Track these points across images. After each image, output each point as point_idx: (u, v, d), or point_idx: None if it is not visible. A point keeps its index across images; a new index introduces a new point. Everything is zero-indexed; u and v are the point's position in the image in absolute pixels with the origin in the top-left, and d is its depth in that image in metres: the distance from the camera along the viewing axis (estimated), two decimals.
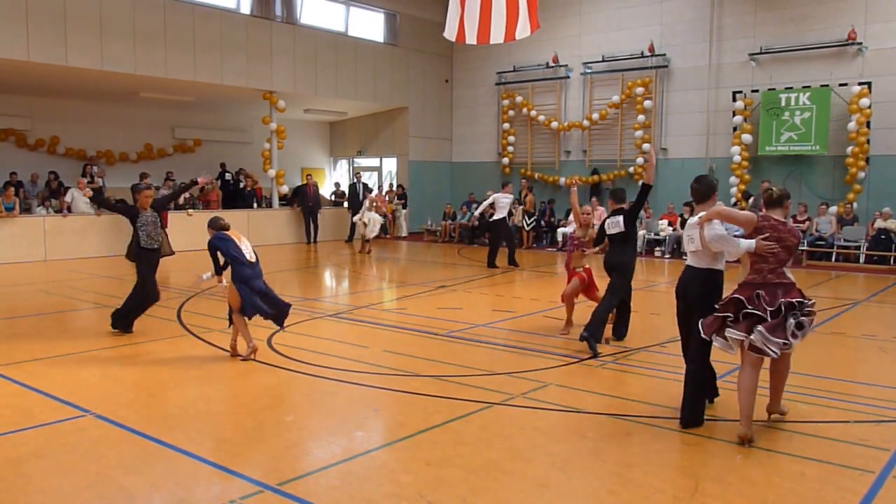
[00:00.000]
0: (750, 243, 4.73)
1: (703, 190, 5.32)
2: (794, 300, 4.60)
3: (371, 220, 16.53)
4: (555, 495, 3.90)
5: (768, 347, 4.52)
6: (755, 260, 4.74)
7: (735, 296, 4.71)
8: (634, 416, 5.19)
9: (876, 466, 4.27)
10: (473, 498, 3.84)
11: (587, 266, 8.11)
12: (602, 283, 7.71)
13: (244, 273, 6.72)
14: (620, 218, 7.22)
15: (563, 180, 20.11)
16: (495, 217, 14.34)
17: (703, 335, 4.83)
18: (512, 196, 14.77)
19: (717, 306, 4.82)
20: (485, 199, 15.15)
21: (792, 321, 4.56)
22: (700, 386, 5.01)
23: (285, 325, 7.26)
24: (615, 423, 5.06)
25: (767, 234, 4.70)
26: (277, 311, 6.97)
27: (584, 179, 19.64)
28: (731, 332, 4.64)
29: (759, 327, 4.54)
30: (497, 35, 9.52)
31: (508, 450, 4.53)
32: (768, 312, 4.55)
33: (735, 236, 4.90)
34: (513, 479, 4.11)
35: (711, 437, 4.77)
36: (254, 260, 6.87)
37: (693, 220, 5.17)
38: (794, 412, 5.42)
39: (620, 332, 7.67)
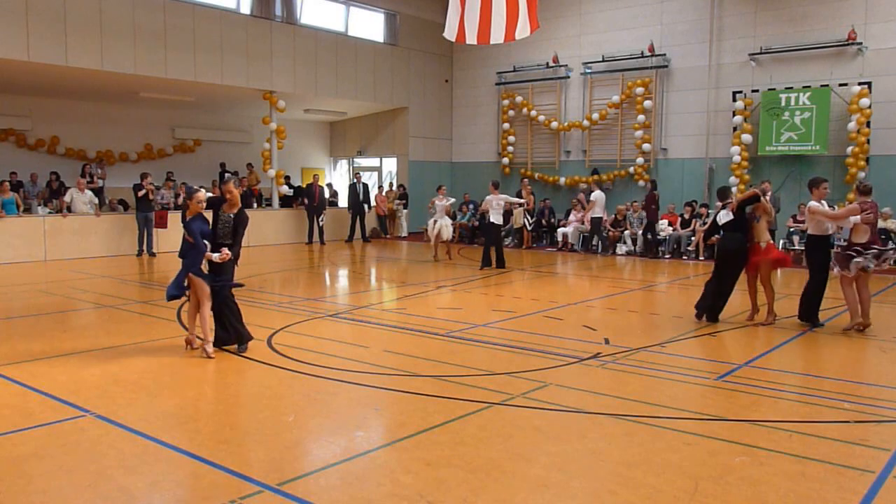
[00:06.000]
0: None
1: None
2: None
3: (444, 226, 15.52)
4: (555, 495, 3.90)
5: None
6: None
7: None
8: (634, 416, 5.19)
9: (876, 466, 4.27)
10: (473, 498, 3.84)
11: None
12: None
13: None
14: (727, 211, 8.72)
15: (562, 180, 20.13)
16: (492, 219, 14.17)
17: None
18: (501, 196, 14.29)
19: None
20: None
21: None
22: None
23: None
24: (615, 423, 5.06)
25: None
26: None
27: (584, 179, 19.66)
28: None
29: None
30: (497, 35, 9.54)
31: (508, 450, 4.53)
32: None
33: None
34: (513, 479, 4.11)
35: (711, 437, 4.78)
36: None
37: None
38: (794, 412, 5.43)
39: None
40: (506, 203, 14.44)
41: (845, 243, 8.48)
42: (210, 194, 7.35)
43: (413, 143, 22.02)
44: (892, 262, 8.36)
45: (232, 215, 7.19)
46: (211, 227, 7.12)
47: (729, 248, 8.68)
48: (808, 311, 8.55)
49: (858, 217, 8.02)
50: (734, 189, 15.18)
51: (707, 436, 4.79)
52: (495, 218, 14.02)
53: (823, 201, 8.66)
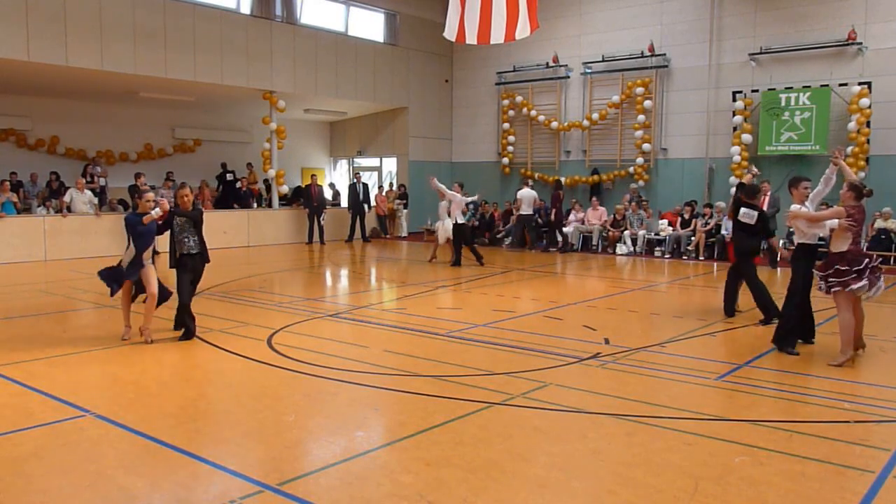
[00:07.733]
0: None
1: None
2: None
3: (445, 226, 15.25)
4: (555, 495, 3.90)
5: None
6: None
7: None
8: (634, 416, 5.19)
9: (876, 466, 4.27)
10: (473, 498, 3.84)
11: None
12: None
13: None
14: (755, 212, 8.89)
15: (563, 180, 20.11)
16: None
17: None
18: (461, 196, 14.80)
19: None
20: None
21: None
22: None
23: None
24: (615, 423, 5.06)
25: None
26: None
27: (584, 179, 19.67)
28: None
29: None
30: (497, 35, 9.54)
31: (508, 450, 4.53)
32: None
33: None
34: (513, 479, 4.11)
35: (711, 437, 4.78)
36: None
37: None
38: (794, 412, 5.43)
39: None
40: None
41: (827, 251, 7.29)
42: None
43: (413, 143, 22.02)
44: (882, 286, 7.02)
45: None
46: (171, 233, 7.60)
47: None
48: (791, 334, 7.33)
49: (836, 222, 7.06)
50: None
51: (707, 436, 4.79)
52: (461, 218, 14.60)
53: (807, 202, 8.05)
